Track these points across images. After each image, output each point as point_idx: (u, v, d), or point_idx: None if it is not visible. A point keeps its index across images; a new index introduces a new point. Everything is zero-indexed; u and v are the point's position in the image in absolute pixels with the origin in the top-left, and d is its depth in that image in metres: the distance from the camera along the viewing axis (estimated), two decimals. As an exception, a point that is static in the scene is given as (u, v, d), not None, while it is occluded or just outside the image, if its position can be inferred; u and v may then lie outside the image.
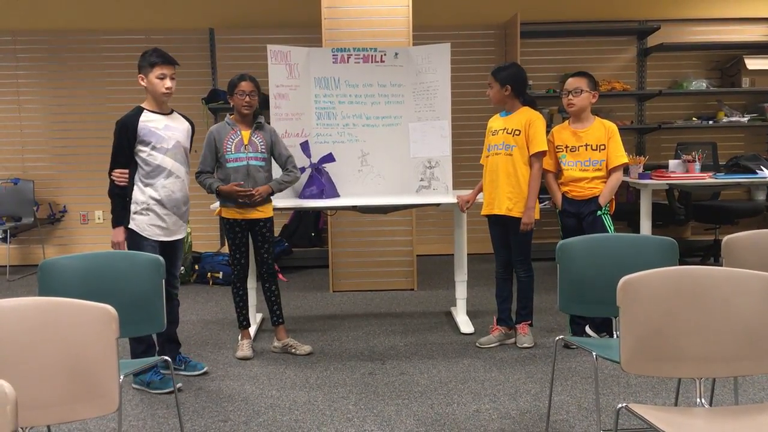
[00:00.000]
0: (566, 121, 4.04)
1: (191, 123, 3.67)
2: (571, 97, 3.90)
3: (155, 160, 3.45)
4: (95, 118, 6.73)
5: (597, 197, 3.88)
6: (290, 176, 3.95)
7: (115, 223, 3.47)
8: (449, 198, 4.43)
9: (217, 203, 3.99)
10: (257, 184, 3.82)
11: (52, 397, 1.92)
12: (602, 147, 3.89)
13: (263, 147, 3.87)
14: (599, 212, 3.88)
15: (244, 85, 3.78)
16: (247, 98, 3.78)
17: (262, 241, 3.94)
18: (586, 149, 3.90)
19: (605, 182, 3.90)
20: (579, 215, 3.93)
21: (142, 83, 3.47)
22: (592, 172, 3.89)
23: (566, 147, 3.94)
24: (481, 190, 4.16)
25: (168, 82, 3.46)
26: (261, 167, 3.86)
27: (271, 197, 3.95)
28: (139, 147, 3.43)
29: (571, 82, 3.93)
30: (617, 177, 3.91)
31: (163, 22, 6.72)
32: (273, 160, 3.98)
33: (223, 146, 3.80)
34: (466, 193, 4.27)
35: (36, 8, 6.71)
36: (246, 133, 3.84)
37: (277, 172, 4.01)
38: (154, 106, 3.50)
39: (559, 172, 4.02)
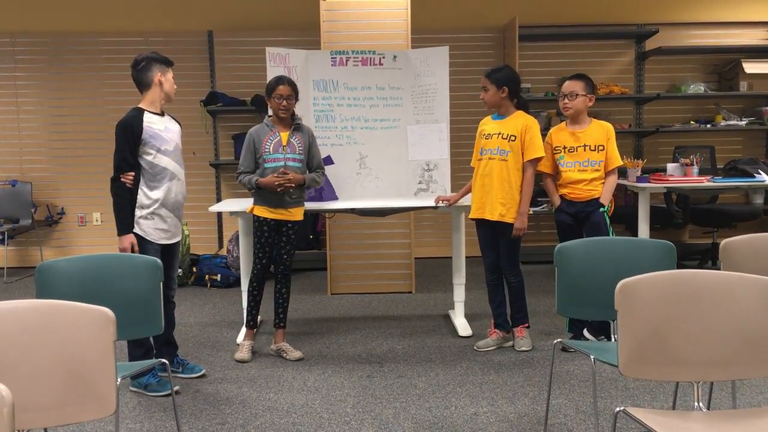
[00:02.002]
0: (563, 123, 4.04)
1: (179, 124, 3.69)
2: (566, 100, 3.91)
3: (160, 162, 3.45)
4: (93, 120, 6.73)
5: (596, 199, 3.89)
6: (320, 178, 4.03)
7: (122, 231, 3.41)
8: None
9: (216, 205, 4.00)
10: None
11: (49, 400, 1.91)
12: (601, 148, 3.89)
13: (301, 148, 3.90)
14: (602, 210, 3.88)
15: (281, 89, 3.81)
16: (285, 102, 3.82)
17: (286, 242, 3.97)
18: (585, 150, 3.90)
19: (603, 183, 3.91)
20: (577, 216, 3.93)
21: (161, 80, 3.48)
22: (591, 173, 3.89)
23: (564, 148, 3.95)
24: (467, 192, 4.18)
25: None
26: (298, 168, 3.88)
27: (304, 202, 4.01)
28: (144, 149, 3.42)
29: (567, 86, 3.94)
30: (615, 178, 3.95)
31: (161, 25, 6.72)
32: None
33: (262, 147, 3.84)
34: (449, 195, 4.31)
35: (34, 10, 6.71)
36: (284, 134, 3.87)
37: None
38: (154, 108, 3.50)
39: (556, 174, 4.02)
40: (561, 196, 3.99)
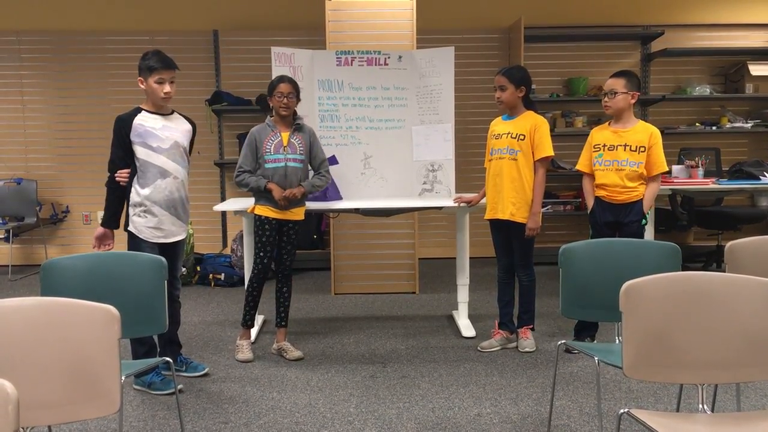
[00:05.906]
0: (607, 122, 3.93)
1: (193, 124, 3.66)
2: (606, 99, 3.83)
3: (152, 160, 3.44)
4: (99, 119, 6.73)
5: (635, 203, 3.77)
6: (322, 180, 4.00)
7: (104, 224, 3.53)
8: (452, 201, 4.43)
9: (221, 204, 4.00)
10: (293, 185, 3.88)
11: (53, 398, 1.92)
12: (642, 149, 3.75)
13: (302, 148, 3.92)
14: (643, 222, 3.80)
15: (283, 87, 3.84)
16: (285, 100, 3.84)
17: (287, 242, 3.98)
18: (625, 149, 3.77)
19: (643, 185, 3.79)
20: (617, 221, 3.81)
21: (141, 86, 3.46)
22: (628, 174, 3.76)
23: (604, 146, 3.82)
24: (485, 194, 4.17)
25: (167, 87, 3.42)
26: (299, 168, 3.91)
27: (305, 201, 4.02)
28: (134, 147, 3.43)
29: (607, 84, 3.84)
30: (656, 186, 3.81)
31: (167, 24, 6.73)
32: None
33: (263, 147, 3.86)
34: (470, 196, 4.28)
35: (40, 9, 6.72)
36: (285, 135, 3.89)
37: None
38: (153, 107, 3.49)
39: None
40: (598, 199, 3.86)
